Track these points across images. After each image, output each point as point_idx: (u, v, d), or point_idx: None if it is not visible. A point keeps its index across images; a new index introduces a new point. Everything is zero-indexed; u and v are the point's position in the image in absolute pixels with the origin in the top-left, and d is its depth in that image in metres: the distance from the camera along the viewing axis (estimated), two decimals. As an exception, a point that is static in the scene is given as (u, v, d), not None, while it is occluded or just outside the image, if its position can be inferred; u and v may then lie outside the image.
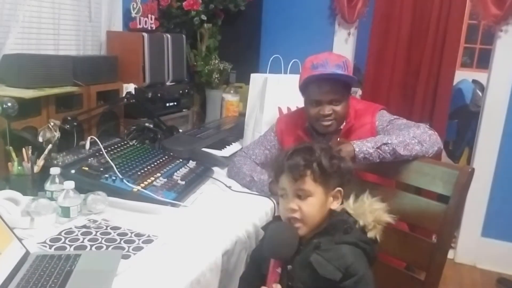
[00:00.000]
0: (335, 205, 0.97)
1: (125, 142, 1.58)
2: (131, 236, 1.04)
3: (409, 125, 1.36)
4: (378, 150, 1.24)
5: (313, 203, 0.94)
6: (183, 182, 1.38)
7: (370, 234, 0.94)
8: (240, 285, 1.09)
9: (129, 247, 0.99)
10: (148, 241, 1.02)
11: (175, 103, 2.11)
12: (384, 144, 1.25)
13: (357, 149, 1.23)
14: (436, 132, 1.32)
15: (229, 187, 1.47)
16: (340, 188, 0.97)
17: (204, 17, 2.32)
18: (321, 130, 1.45)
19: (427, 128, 1.33)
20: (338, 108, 1.41)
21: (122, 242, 1.01)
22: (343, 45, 2.56)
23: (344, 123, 1.46)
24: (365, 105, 1.52)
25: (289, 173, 0.95)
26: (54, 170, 1.19)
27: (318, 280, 0.89)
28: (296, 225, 0.95)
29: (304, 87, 1.45)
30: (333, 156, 0.97)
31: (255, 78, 1.87)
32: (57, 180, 1.19)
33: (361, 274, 0.89)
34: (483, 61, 4.07)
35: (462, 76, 3.44)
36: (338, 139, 1.42)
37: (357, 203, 0.98)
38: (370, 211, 0.96)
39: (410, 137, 1.27)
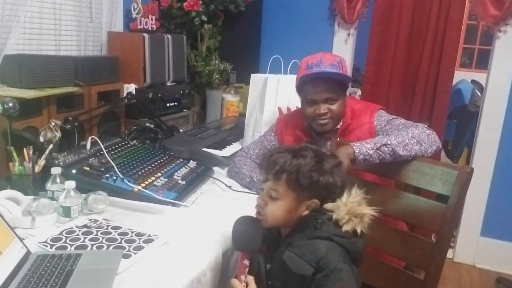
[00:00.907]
0: (307, 213, 0.94)
1: (126, 142, 1.58)
2: (131, 236, 1.04)
3: (407, 125, 1.36)
4: (378, 151, 1.25)
5: (280, 206, 0.93)
6: (184, 182, 1.39)
7: (346, 228, 0.90)
8: None
9: (129, 246, 0.99)
10: (149, 240, 1.02)
11: (176, 104, 2.12)
12: (384, 145, 1.25)
13: (357, 151, 1.24)
14: (434, 132, 1.33)
15: (230, 187, 1.47)
16: (316, 200, 0.93)
17: (204, 18, 2.33)
18: (318, 129, 1.46)
19: (425, 128, 1.33)
20: (334, 107, 1.41)
21: (122, 241, 1.01)
22: (343, 46, 2.56)
23: (341, 123, 1.46)
24: (363, 105, 1.52)
25: (265, 170, 0.95)
26: (55, 170, 1.20)
27: (293, 277, 0.89)
28: (260, 218, 0.95)
29: (300, 87, 1.46)
30: (316, 169, 0.91)
31: (255, 79, 1.88)
32: (58, 180, 1.19)
33: (333, 267, 0.86)
34: (482, 61, 4.08)
35: (461, 76, 3.46)
36: (338, 139, 1.42)
37: (349, 198, 0.94)
38: (345, 204, 0.92)
39: (409, 137, 1.27)
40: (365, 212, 0.92)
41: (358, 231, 0.91)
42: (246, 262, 0.94)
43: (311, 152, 0.94)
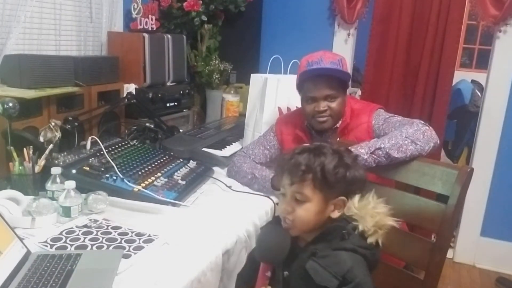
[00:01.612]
0: (336, 214, 0.91)
1: (126, 142, 1.58)
2: (131, 236, 1.04)
3: (403, 123, 1.35)
4: (373, 155, 1.25)
5: (309, 209, 0.89)
6: (184, 182, 1.39)
7: (370, 240, 0.88)
8: (237, 281, 1.08)
9: (129, 246, 0.99)
10: (149, 240, 1.03)
11: (176, 103, 2.12)
12: (378, 148, 1.25)
13: None
14: (431, 128, 1.31)
15: (230, 187, 1.47)
16: (343, 198, 0.90)
17: (204, 18, 2.33)
18: (317, 127, 1.46)
19: (420, 125, 1.31)
20: (333, 104, 1.41)
21: (122, 241, 1.01)
22: (343, 46, 2.56)
23: (340, 122, 1.46)
24: (362, 105, 1.52)
25: (289, 174, 0.90)
26: (55, 170, 1.20)
27: (314, 287, 0.86)
28: (287, 226, 0.91)
29: (300, 85, 1.47)
30: (340, 164, 0.88)
31: (255, 79, 1.88)
32: (58, 180, 1.19)
33: (357, 281, 0.84)
34: (482, 61, 4.08)
35: (461, 76, 3.46)
36: (338, 139, 1.42)
37: (362, 202, 0.93)
38: (372, 215, 0.90)
39: (402, 138, 1.26)
40: (390, 224, 0.91)
41: (380, 242, 0.90)
42: (268, 273, 0.91)
43: (329, 148, 0.91)
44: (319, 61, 1.40)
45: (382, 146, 1.25)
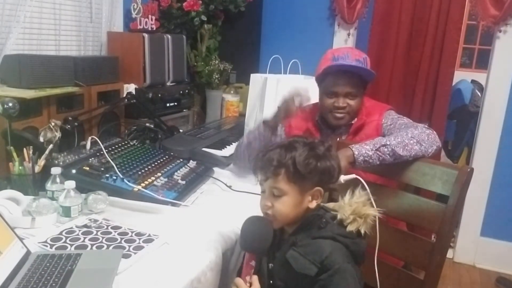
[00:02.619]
0: (314, 204, 0.94)
1: (126, 142, 1.58)
2: (131, 236, 1.04)
3: (408, 125, 1.37)
4: (378, 152, 1.25)
5: (287, 202, 0.92)
6: (184, 182, 1.39)
7: (350, 228, 0.90)
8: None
9: (129, 246, 0.99)
10: (149, 240, 1.02)
11: (176, 104, 2.12)
12: (383, 145, 1.25)
13: (356, 152, 1.24)
14: (434, 132, 1.33)
15: (230, 187, 1.47)
16: (319, 188, 0.93)
17: (204, 18, 2.33)
18: (333, 122, 1.47)
19: (425, 128, 1.33)
20: (353, 102, 1.43)
21: (122, 241, 1.01)
22: (343, 46, 2.56)
23: (356, 119, 1.47)
24: (374, 103, 1.55)
25: (262, 170, 0.93)
26: (55, 170, 1.19)
27: (296, 276, 0.88)
28: (270, 220, 0.95)
29: (322, 78, 1.47)
30: (311, 155, 0.91)
31: (255, 78, 1.88)
32: (58, 180, 1.19)
33: (337, 267, 0.86)
34: (482, 61, 4.08)
35: (461, 76, 3.45)
36: (338, 139, 1.42)
37: (353, 198, 0.95)
38: (350, 204, 0.93)
39: (408, 137, 1.27)
40: (369, 212, 0.92)
41: (362, 231, 0.91)
42: (253, 263, 0.94)
43: (301, 142, 0.94)
44: (346, 57, 1.41)
45: (388, 143, 1.25)
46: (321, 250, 0.88)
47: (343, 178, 1.08)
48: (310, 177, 0.91)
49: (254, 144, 1.46)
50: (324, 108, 1.46)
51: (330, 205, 0.97)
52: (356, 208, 0.92)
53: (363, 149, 1.25)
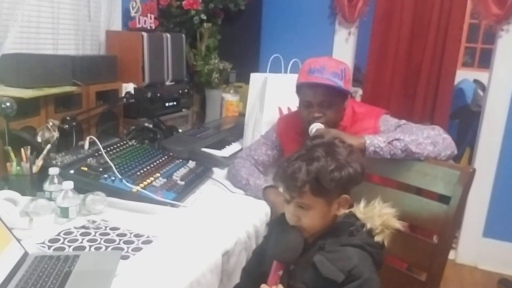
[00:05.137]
0: (341, 212, 0.95)
1: (124, 142, 1.57)
2: (130, 237, 1.04)
3: (422, 128, 1.34)
4: (390, 145, 1.24)
5: (314, 215, 0.92)
6: (183, 183, 1.38)
7: (377, 238, 0.92)
8: (242, 275, 1.09)
9: (128, 247, 0.98)
10: (148, 241, 1.02)
11: (175, 103, 2.11)
12: (396, 139, 1.24)
13: (368, 141, 1.23)
14: (450, 137, 1.31)
15: (229, 188, 1.46)
16: (346, 196, 0.93)
17: (203, 17, 2.32)
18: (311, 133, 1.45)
19: (441, 131, 1.31)
20: (329, 112, 1.39)
21: (121, 242, 1.01)
22: (344, 45, 2.55)
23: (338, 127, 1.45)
24: (366, 109, 1.51)
25: (287, 189, 0.93)
26: (53, 170, 1.19)
27: (319, 280, 0.88)
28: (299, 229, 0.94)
29: (298, 88, 1.46)
30: (334, 166, 0.89)
31: (255, 78, 1.87)
32: (56, 180, 1.18)
33: (365, 277, 0.87)
34: (484, 60, 4.05)
35: (463, 75, 3.43)
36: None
37: (368, 208, 0.96)
38: (379, 215, 0.94)
39: (423, 136, 1.26)
40: (396, 225, 0.95)
41: (386, 243, 0.93)
42: (280, 272, 0.93)
43: (321, 150, 0.92)
44: (321, 70, 1.36)
45: (402, 138, 1.24)
46: (350, 259, 0.88)
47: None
48: (335, 189, 0.91)
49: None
50: (303, 119, 1.44)
51: (359, 212, 0.96)
52: (386, 220, 0.94)
53: (376, 140, 1.24)
